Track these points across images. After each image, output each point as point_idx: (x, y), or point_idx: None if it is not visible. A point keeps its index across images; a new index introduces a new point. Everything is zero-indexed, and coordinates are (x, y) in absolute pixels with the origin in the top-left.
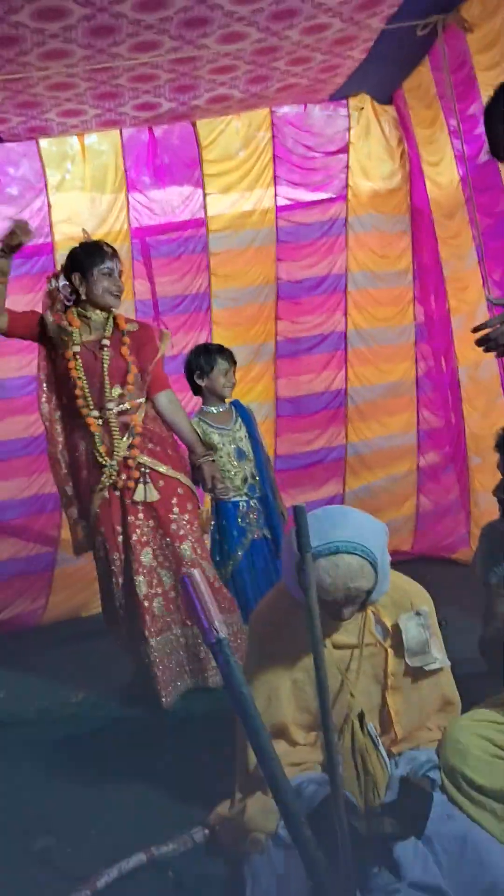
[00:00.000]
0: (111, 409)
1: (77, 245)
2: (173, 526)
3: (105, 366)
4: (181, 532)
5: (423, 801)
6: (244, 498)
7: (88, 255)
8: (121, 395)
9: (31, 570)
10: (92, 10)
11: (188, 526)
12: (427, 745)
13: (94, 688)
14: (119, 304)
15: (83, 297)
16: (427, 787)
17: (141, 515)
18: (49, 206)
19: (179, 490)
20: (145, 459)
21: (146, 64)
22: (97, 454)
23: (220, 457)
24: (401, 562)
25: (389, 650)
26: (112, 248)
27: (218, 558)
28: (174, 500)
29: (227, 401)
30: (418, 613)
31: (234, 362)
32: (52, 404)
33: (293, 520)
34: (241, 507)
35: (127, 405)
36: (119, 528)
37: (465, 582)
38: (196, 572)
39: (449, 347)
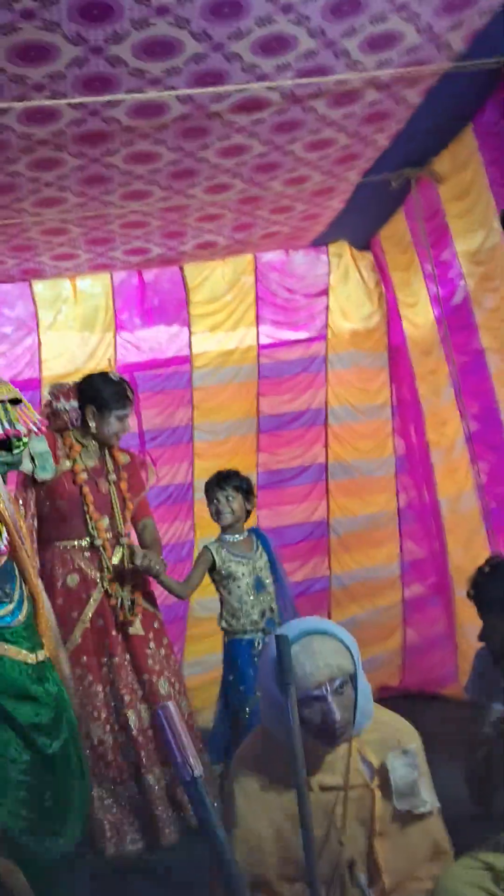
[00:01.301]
0: (105, 539)
1: (99, 375)
2: (150, 661)
3: (112, 497)
4: (157, 667)
5: None
6: (259, 635)
7: (112, 397)
8: (116, 526)
9: None
10: (85, 161)
11: (164, 661)
12: None
13: None
14: (116, 445)
15: (91, 429)
16: None
17: (119, 649)
18: (40, 343)
19: (155, 624)
20: (131, 592)
21: (137, 211)
22: (89, 583)
23: (239, 587)
24: (388, 698)
25: (376, 791)
26: (132, 393)
27: (234, 700)
28: (151, 635)
29: (245, 528)
30: (406, 752)
31: (240, 490)
32: (29, 524)
33: (276, 650)
34: (255, 646)
35: (120, 535)
36: (105, 660)
37: (455, 719)
38: (171, 704)
39: (430, 479)
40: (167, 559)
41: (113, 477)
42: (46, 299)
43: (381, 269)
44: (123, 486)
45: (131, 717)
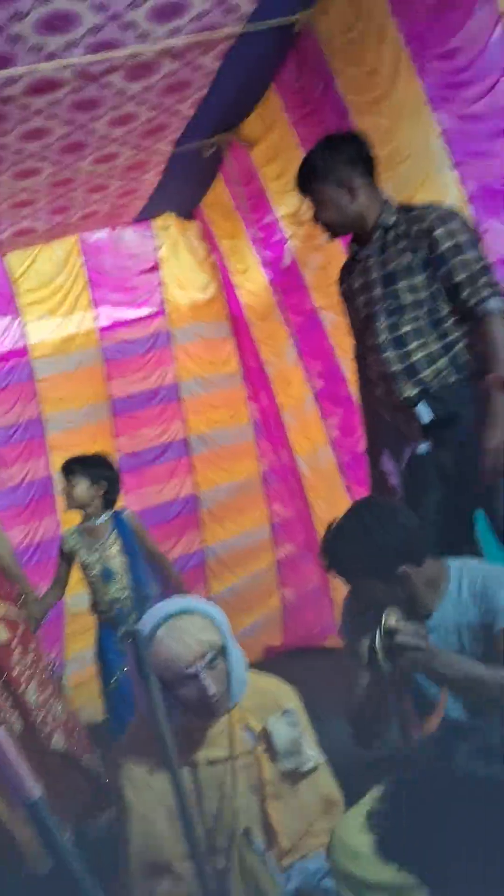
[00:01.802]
0: None
1: None
2: (16, 670)
3: None
4: (26, 673)
5: None
6: (120, 620)
7: None
8: None
9: None
10: None
11: (33, 666)
12: (316, 853)
13: None
14: None
15: None
16: None
17: None
18: None
19: (20, 629)
20: None
21: None
22: None
23: (89, 575)
24: (273, 658)
25: (262, 756)
26: None
27: (101, 682)
28: (14, 642)
29: (107, 512)
30: (286, 712)
31: (81, 474)
32: None
33: (132, 644)
34: (118, 631)
35: None
36: None
37: (339, 669)
38: (0, 730)
39: (285, 440)
40: (34, 560)
41: None
42: None
43: (209, 238)
44: None
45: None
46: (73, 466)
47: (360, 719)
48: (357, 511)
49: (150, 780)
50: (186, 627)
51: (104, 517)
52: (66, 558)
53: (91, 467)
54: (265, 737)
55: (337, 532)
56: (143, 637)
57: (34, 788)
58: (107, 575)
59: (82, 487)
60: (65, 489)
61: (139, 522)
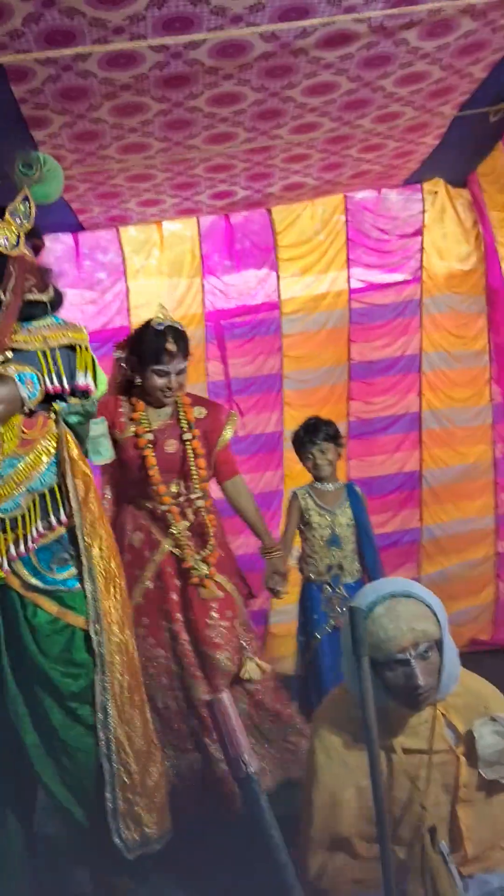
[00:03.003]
0: (173, 504)
1: (148, 323)
2: (209, 632)
3: (180, 458)
4: (217, 640)
5: None
6: (327, 585)
7: (148, 350)
8: (184, 488)
9: None
10: (168, 105)
11: (226, 633)
12: (501, 869)
13: None
14: (169, 404)
15: (136, 383)
16: None
17: (179, 615)
18: (128, 290)
19: (221, 593)
20: (193, 557)
21: (222, 154)
22: (152, 542)
23: (314, 536)
24: (479, 653)
25: (462, 758)
26: (179, 344)
27: (301, 638)
28: (214, 605)
29: (340, 481)
30: (494, 719)
31: (331, 438)
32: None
33: (349, 620)
34: (325, 592)
35: (187, 498)
36: (164, 623)
37: None
38: (225, 698)
39: None
40: None
41: (188, 436)
42: (134, 244)
43: (478, 208)
44: (196, 444)
45: (191, 686)
46: (322, 432)
47: None
48: None
49: (344, 754)
50: (405, 612)
51: (337, 484)
52: (299, 515)
53: (333, 430)
54: (468, 739)
55: None
56: (361, 616)
57: (251, 762)
58: (333, 540)
59: (333, 451)
60: (316, 457)
61: (366, 502)
